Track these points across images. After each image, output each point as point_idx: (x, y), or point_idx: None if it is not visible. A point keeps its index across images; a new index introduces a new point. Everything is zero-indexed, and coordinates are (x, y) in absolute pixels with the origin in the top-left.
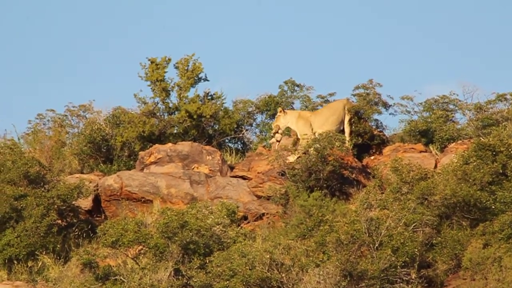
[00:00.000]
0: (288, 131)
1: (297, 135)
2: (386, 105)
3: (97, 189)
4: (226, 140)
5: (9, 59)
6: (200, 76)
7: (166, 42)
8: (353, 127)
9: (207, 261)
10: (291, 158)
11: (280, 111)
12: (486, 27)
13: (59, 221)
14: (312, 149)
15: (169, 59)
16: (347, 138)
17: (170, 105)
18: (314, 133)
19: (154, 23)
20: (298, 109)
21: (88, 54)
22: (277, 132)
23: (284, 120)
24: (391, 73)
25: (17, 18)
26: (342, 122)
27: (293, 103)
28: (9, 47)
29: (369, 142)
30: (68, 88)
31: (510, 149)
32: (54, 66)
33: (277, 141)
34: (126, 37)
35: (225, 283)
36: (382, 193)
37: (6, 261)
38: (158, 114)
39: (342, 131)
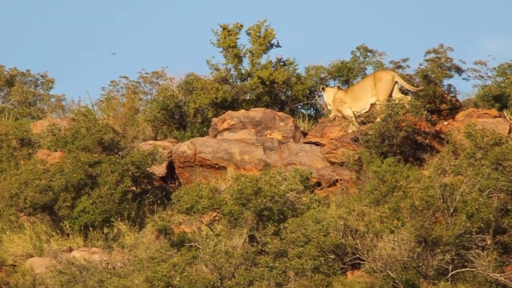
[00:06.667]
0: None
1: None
2: (459, 70)
3: (171, 156)
4: (299, 106)
5: (86, 28)
6: (272, 42)
7: (237, 7)
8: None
9: (281, 228)
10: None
11: (320, 89)
12: None
13: (134, 188)
14: (385, 115)
15: (241, 26)
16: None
17: (243, 71)
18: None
19: None
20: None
21: (162, 21)
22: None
23: (326, 96)
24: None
25: None
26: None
27: (365, 68)
28: (85, 17)
29: (440, 107)
30: (141, 55)
31: None
32: (132, 33)
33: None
34: (199, 3)
35: (300, 249)
36: (456, 158)
37: (82, 227)
38: (230, 80)
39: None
